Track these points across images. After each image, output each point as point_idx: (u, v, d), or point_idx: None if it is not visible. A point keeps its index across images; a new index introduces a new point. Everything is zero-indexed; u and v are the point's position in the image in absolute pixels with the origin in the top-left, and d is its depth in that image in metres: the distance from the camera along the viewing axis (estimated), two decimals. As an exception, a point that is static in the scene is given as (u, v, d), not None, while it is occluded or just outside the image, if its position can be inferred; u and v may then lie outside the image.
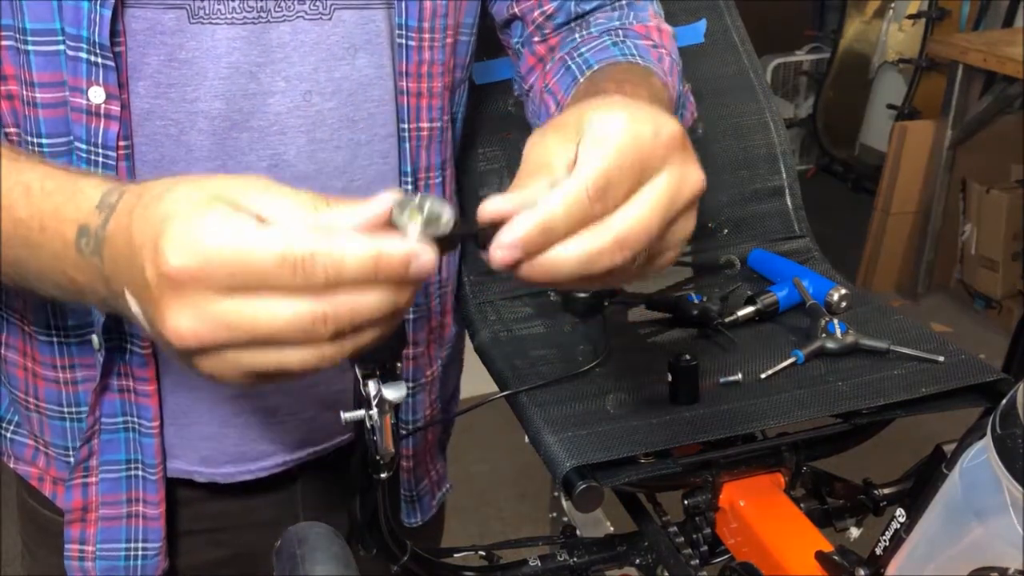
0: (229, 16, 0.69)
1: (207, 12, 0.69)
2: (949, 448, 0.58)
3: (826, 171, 4.56)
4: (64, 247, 0.54)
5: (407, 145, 0.80)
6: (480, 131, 1.05)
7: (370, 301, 0.46)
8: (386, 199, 0.48)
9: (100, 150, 0.69)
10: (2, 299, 0.81)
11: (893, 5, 4.22)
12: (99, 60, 0.67)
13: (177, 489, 0.85)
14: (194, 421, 0.82)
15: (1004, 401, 0.52)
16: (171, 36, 0.69)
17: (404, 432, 0.91)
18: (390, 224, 0.48)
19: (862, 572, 0.66)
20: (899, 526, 0.63)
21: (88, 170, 0.68)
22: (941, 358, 0.85)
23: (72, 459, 0.82)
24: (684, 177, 0.52)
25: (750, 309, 0.97)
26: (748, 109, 1.13)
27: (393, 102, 0.79)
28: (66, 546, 0.83)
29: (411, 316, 0.88)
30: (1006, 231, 3.28)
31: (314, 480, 0.92)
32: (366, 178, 0.79)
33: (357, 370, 0.60)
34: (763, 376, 0.85)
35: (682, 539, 0.83)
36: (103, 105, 0.68)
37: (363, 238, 0.46)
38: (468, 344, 1.01)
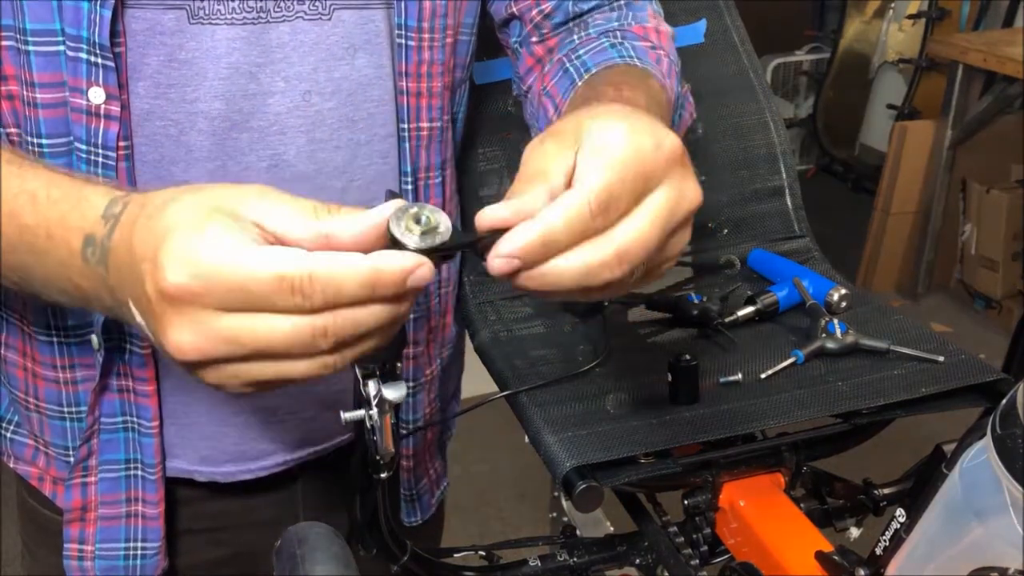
0: (229, 16, 0.69)
1: (207, 12, 0.69)
2: (949, 448, 0.58)
3: (826, 171, 4.56)
4: (70, 255, 0.55)
5: (407, 145, 0.80)
6: (480, 131, 1.05)
7: (370, 314, 0.47)
8: (384, 209, 0.48)
9: (100, 150, 0.69)
10: (2, 299, 0.81)
11: (893, 5, 4.22)
12: (99, 60, 0.67)
13: (177, 488, 0.85)
14: (194, 420, 0.82)
15: (1004, 401, 0.51)
16: (171, 36, 0.69)
17: (404, 432, 0.91)
18: (387, 234, 0.48)
19: (862, 572, 0.66)
20: (899, 526, 0.63)
21: (93, 176, 0.68)
22: (941, 358, 0.85)
23: (72, 459, 0.82)
24: (683, 192, 0.53)
25: (750, 309, 0.97)
26: (748, 109, 1.13)
27: (393, 102, 0.79)
28: (65, 545, 0.83)
29: (411, 316, 0.88)
30: (1006, 231, 3.28)
31: (314, 480, 0.92)
32: (366, 178, 0.79)
33: (357, 370, 0.60)
34: (763, 376, 0.85)
35: (682, 539, 0.83)
36: (103, 105, 0.68)
37: (359, 257, 0.46)
38: (468, 344, 1.01)
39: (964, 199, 3.45)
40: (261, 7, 0.70)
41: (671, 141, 0.52)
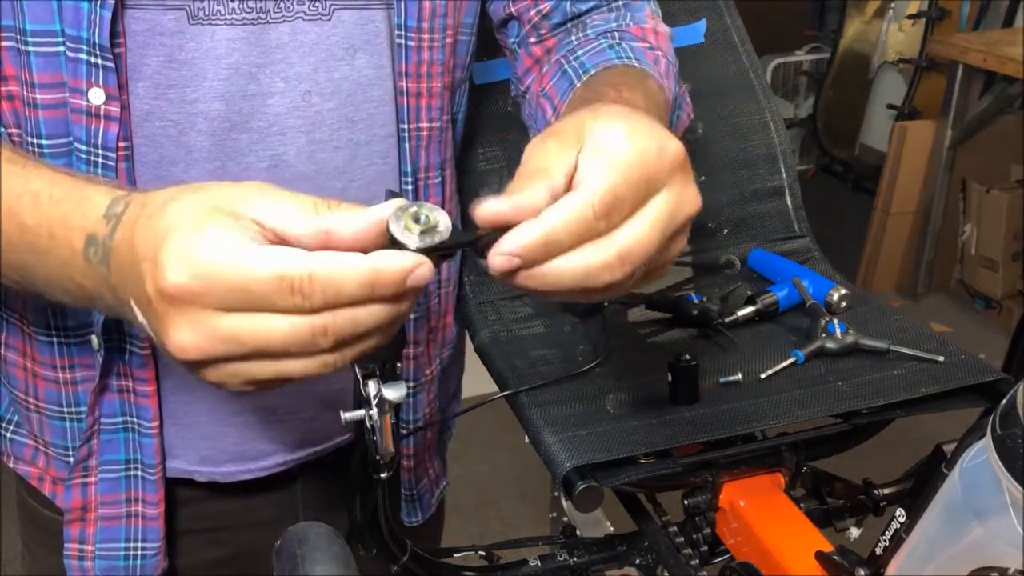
0: (228, 17, 0.69)
1: (206, 13, 0.69)
2: (949, 448, 0.58)
3: (826, 171, 4.56)
4: (72, 255, 0.55)
5: (407, 145, 0.80)
6: (480, 131, 1.05)
7: (369, 314, 0.47)
8: (385, 208, 0.48)
9: (100, 151, 0.69)
10: (2, 299, 0.81)
11: (893, 5, 4.22)
12: (99, 61, 0.67)
13: (177, 489, 0.85)
14: (194, 421, 0.82)
15: (1004, 401, 0.51)
16: (171, 37, 0.69)
17: (404, 432, 0.91)
18: (387, 233, 0.48)
19: (862, 572, 0.66)
20: (899, 526, 0.63)
21: (95, 175, 0.68)
22: (941, 358, 0.85)
23: (72, 459, 0.82)
24: (683, 197, 0.53)
25: (750, 309, 0.97)
26: (748, 109, 1.13)
27: (393, 102, 0.79)
28: (65, 545, 0.83)
29: (411, 316, 0.88)
30: (1006, 231, 3.28)
31: (314, 480, 0.92)
32: (366, 178, 0.79)
33: (357, 370, 0.60)
34: (763, 376, 0.85)
35: (682, 539, 0.83)
36: (103, 106, 0.68)
37: (359, 257, 0.46)
38: (469, 344, 1.01)
39: (964, 199, 3.45)
40: (261, 8, 0.70)
41: (674, 146, 0.52)
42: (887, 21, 4.26)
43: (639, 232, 0.51)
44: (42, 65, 0.67)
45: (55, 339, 0.78)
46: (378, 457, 0.65)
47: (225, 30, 0.69)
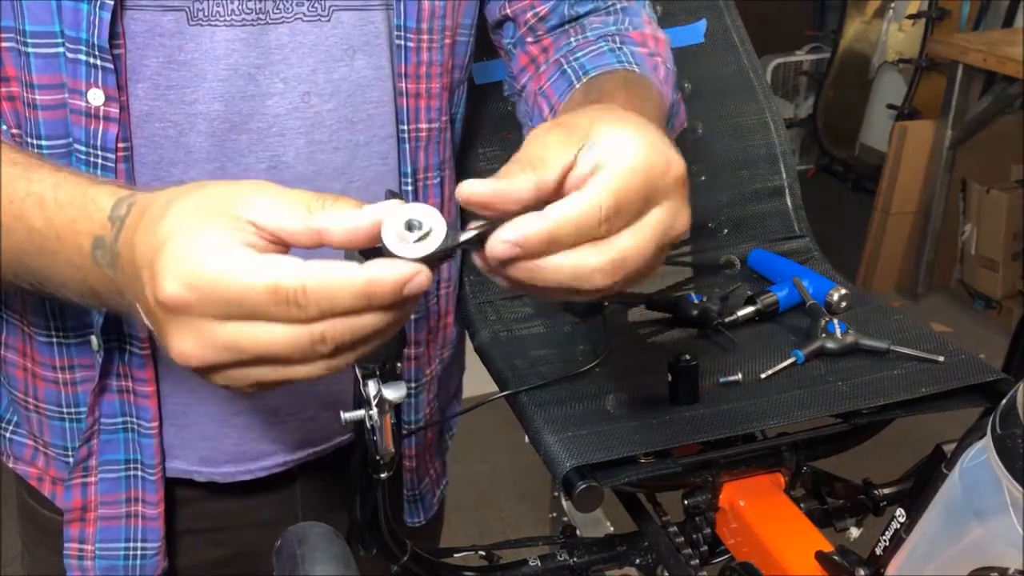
0: (228, 18, 0.69)
1: (206, 14, 0.69)
2: (949, 448, 0.58)
3: (826, 171, 4.56)
4: (81, 258, 0.56)
5: (406, 146, 0.80)
6: (480, 131, 1.05)
7: (367, 322, 0.47)
8: (379, 209, 0.48)
9: (99, 152, 0.69)
10: (2, 300, 0.81)
11: (893, 5, 4.22)
12: (98, 62, 0.67)
13: (177, 489, 0.85)
14: (193, 421, 0.82)
15: (1004, 401, 0.51)
16: (170, 38, 0.69)
17: (405, 432, 0.91)
18: (382, 239, 0.48)
19: (862, 572, 0.66)
20: (899, 526, 0.63)
21: (98, 176, 0.68)
22: (941, 358, 0.85)
23: (71, 459, 0.82)
24: (677, 215, 0.53)
25: (750, 309, 0.97)
26: (748, 109, 1.13)
27: (392, 103, 0.79)
28: (65, 545, 0.83)
29: (412, 316, 0.87)
30: (1006, 231, 3.28)
31: (314, 480, 0.92)
32: (365, 179, 0.79)
33: (357, 370, 0.60)
34: (763, 376, 0.85)
35: (682, 539, 0.83)
36: (102, 107, 0.68)
37: (354, 267, 0.46)
38: (469, 344, 1.01)
39: (964, 199, 3.45)
40: (260, 8, 0.70)
41: (679, 163, 0.53)
42: (887, 21, 4.26)
43: (636, 241, 0.51)
44: (41, 66, 0.67)
45: (55, 339, 0.78)
46: (378, 457, 0.65)
47: (224, 31, 0.69)
